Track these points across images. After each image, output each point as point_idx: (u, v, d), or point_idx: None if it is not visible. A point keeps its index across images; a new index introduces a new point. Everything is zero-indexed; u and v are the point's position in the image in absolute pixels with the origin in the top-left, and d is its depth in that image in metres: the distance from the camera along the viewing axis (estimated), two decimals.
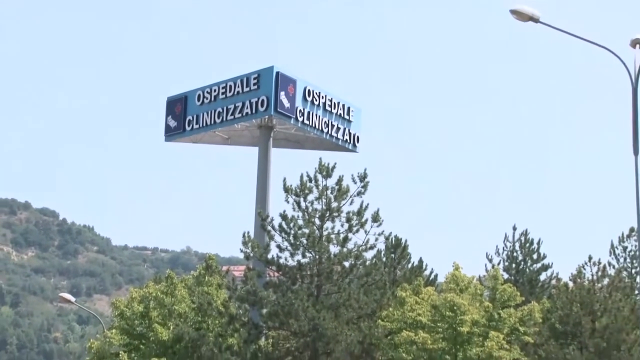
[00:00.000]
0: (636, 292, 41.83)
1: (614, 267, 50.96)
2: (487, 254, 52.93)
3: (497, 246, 53.34)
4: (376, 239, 44.51)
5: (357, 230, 42.80)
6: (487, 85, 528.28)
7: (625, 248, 52.08)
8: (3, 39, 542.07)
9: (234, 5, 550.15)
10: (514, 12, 26.88)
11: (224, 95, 63.50)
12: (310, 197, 42.69)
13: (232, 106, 62.98)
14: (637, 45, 26.65)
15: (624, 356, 40.53)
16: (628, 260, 51.42)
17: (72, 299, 76.47)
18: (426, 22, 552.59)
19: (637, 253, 33.67)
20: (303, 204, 42.71)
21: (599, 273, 47.34)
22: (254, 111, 62.07)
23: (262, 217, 48.56)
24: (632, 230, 51.54)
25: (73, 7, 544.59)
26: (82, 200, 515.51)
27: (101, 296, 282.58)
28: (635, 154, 26.41)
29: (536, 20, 26.81)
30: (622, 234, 52.97)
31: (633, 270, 50.14)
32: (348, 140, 66.47)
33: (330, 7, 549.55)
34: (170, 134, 67.03)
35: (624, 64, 26.51)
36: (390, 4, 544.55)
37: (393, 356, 39.19)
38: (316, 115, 64.11)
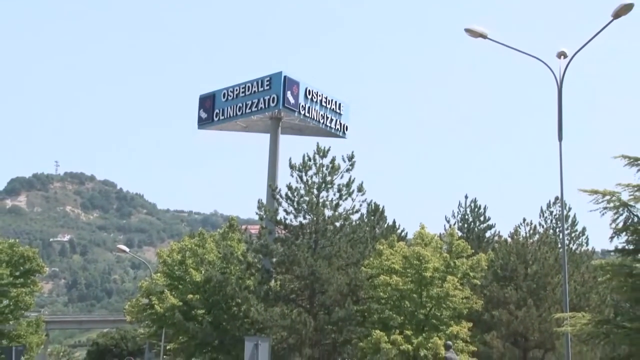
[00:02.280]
0: (559, 245, 41.76)
1: (542, 226, 51.07)
2: (445, 216, 53.15)
3: (453, 210, 53.52)
4: (360, 205, 44.54)
5: (346, 198, 42.77)
6: (448, 85, 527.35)
7: (551, 212, 52.26)
8: (73, 36, 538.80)
9: (251, 21, 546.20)
10: (467, 30, 26.86)
11: (243, 94, 63.69)
12: (310, 173, 42.62)
13: (249, 102, 63.21)
14: (562, 56, 26.62)
15: (549, 295, 40.60)
16: (553, 221, 51.57)
17: (127, 249, 76.69)
18: (400, 40, 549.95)
19: (560, 216, 33.90)
20: (304, 178, 42.64)
21: (531, 231, 47.38)
22: (266, 106, 62.26)
23: (272, 188, 48.54)
24: (557, 198, 51.69)
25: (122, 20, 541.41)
26: (135, 173, 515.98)
27: (149, 248, 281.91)
28: (560, 140, 26.43)
29: (485, 37, 26.78)
30: (549, 201, 53.11)
31: (557, 229, 50.21)
32: (339, 129, 66.54)
33: (324, 20, 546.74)
34: (202, 123, 67.30)
35: (551, 70, 26.49)
36: (372, 22, 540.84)
37: (373, 295, 39.28)
38: (314, 109, 64.20)
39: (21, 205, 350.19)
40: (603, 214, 25.04)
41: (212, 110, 65.77)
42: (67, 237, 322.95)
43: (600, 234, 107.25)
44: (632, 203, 24.82)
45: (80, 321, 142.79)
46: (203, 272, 46.90)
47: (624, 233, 25.36)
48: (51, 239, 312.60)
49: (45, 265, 54.29)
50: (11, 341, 45.37)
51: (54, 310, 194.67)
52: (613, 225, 25.18)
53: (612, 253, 28.86)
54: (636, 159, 24.82)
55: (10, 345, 41.64)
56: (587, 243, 53.49)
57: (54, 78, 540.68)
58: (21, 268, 50.03)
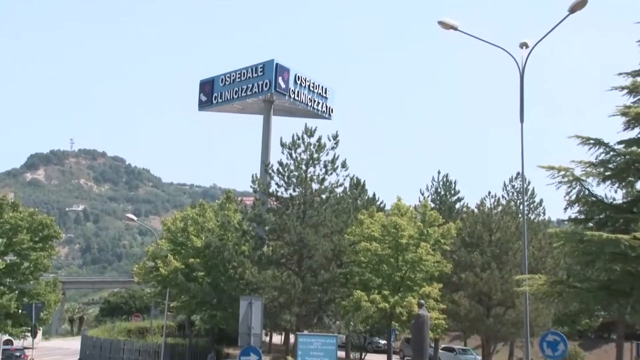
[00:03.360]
0: (519, 215, 42.01)
1: (505, 199, 51.37)
2: (420, 189, 53.24)
3: (427, 184, 53.55)
4: (344, 179, 44.62)
5: (331, 173, 42.80)
6: (425, 72, 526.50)
7: (513, 186, 52.52)
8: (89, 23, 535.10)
9: (248, 12, 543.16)
10: (440, 23, 26.77)
11: (239, 79, 63.76)
12: (299, 150, 42.60)
13: (245, 87, 63.27)
14: (524, 47, 26.61)
15: (510, 259, 40.90)
16: (515, 194, 51.81)
17: (135, 218, 76.71)
18: (381, 31, 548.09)
19: (521, 189, 34.06)
20: (294, 155, 42.62)
21: (495, 203, 47.77)
22: (260, 90, 62.36)
23: (265, 164, 48.62)
24: (518, 173, 51.98)
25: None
26: (142, 150, 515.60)
27: (154, 217, 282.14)
28: (521, 121, 26.47)
29: (455, 29, 26.70)
30: (512, 176, 53.43)
31: (518, 201, 50.48)
32: (325, 111, 66.60)
33: (315, 11, 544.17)
34: (202, 105, 67.40)
35: (515, 59, 26.50)
36: (353, 12, 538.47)
37: (354, 259, 39.44)
38: (303, 93, 64.25)
39: (40, 178, 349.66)
40: (558, 188, 25.19)
41: (211, 93, 65.85)
42: (81, 207, 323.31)
43: (555, 205, 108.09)
44: (584, 178, 24.98)
45: (93, 282, 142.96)
46: (203, 238, 46.98)
47: (576, 204, 25.54)
48: (67, 209, 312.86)
49: (62, 232, 54.09)
50: (31, 299, 45.38)
51: (69, 272, 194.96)
52: (567, 198, 25.34)
53: (565, 222, 29.07)
54: (588, 139, 24.95)
55: (31, 303, 41.84)
56: (544, 213, 53.98)
57: (71, 63, 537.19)
58: (40, 234, 49.96)
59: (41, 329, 60.72)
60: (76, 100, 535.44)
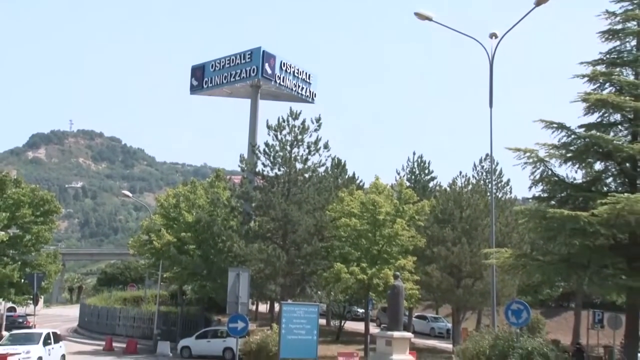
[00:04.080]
0: (488, 194, 42.20)
1: (475, 178, 51.36)
2: (396, 169, 53.65)
3: (402, 164, 53.63)
4: (326, 160, 44.70)
5: (314, 154, 42.77)
6: (402, 59, 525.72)
7: (482, 166, 52.43)
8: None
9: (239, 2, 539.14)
10: (416, 14, 26.74)
11: (228, 65, 63.66)
12: (284, 132, 42.52)
13: (233, 72, 63.20)
14: (493, 37, 26.66)
15: (479, 234, 41.10)
16: (484, 174, 51.83)
17: (130, 195, 76.54)
18: (362, 21, 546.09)
19: (490, 169, 34.21)
20: (279, 136, 42.55)
21: (466, 182, 47.79)
22: (248, 76, 62.30)
23: (252, 145, 48.53)
24: (487, 155, 51.93)
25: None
26: (137, 130, 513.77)
27: (149, 193, 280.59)
28: (490, 106, 26.61)
29: (430, 19, 26.70)
30: (481, 157, 53.35)
31: (487, 181, 50.58)
32: (309, 96, 66.62)
33: (302, 3, 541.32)
34: (194, 89, 67.28)
35: (485, 48, 26.57)
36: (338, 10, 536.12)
37: (335, 234, 39.48)
38: (288, 79, 64.22)
39: (41, 156, 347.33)
40: (524, 168, 25.39)
41: (202, 78, 65.71)
42: (79, 184, 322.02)
43: (521, 184, 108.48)
44: (547, 159, 25.19)
45: (91, 254, 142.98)
46: (194, 214, 46.95)
47: (540, 184, 25.77)
48: (66, 185, 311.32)
49: (61, 207, 53.97)
50: (33, 269, 45.34)
51: (69, 245, 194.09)
52: (531, 177, 25.55)
53: (530, 200, 29.31)
54: (551, 123, 25.13)
55: (33, 273, 41.90)
56: (510, 192, 54.00)
57: (71, 47, 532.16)
58: (41, 209, 49.84)
59: (42, 297, 60.68)
60: (75, 83, 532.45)
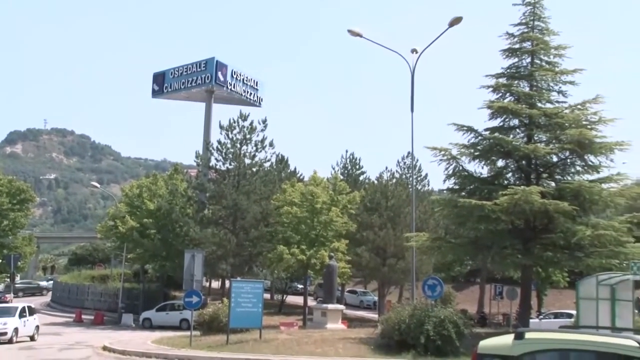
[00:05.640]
0: (409, 186, 42.71)
1: (398, 172, 51.92)
2: (332, 165, 53.66)
3: (337, 161, 53.97)
4: (271, 156, 44.82)
5: (260, 151, 42.74)
6: (336, 69, 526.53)
7: (405, 162, 52.97)
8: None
9: (195, 16, 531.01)
10: (349, 31, 26.75)
11: (186, 73, 62.87)
12: (235, 132, 42.32)
13: (190, 79, 62.46)
14: (414, 52, 26.89)
15: (402, 220, 41.48)
16: (406, 169, 52.40)
17: (98, 185, 75.48)
18: (304, 36, 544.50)
19: (411, 165, 34.62)
20: (230, 135, 42.33)
21: (391, 176, 48.33)
22: (203, 82, 61.63)
23: (207, 142, 48.17)
24: (409, 153, 52.67)
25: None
26: (105, 129, 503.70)
27: (115, 184, 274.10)
28: (412, 111, 26.85)
29: (361, 36, 26.75)
30: (404, 154, 53.94)
31: (408, 175, 51.13)
32: (256, 100, 66.23)
33: (252, 15, 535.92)
34: (155, 94, 66.10)
35: (407, 62, 26.82)
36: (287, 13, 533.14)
37: (279, 220, 39.45)
38: (238, 85, 63.76)
39: (18, 151, 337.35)
40: (439, 164, 25.79)
41: (162, 84, 64.65)
42: (53, 176, 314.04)
43: (437, 178, 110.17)
44: (458, 157, 25.63)
45: (63, 237, 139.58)
46: (155, 203, 46.30)
47: (452, 178, 26.20)
48: (41, 177, 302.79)
49: (36, 196, 52.96)
50: (10, 251, 44.32)
51: (43, 229, 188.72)
52: (445, 172, 25.96)
53: (444, 191, 29.87)
54: (462, 126, 25.57)
55: (10, 254, 40.82)
56: (428, 184, 54.63)
57: (47, 54, 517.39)
58: (17, 197, 48.86)
59: (19, 275, 59.14)
60: (50, 86, 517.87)
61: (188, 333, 27.25)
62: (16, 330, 27.84)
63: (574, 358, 5.26)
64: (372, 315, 46.84)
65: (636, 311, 25.39)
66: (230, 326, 24.28)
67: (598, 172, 24.53)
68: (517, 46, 25.92)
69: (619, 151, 23.73)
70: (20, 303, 33.05)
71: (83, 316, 44.41)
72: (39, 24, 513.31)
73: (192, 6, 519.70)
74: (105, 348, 25.26)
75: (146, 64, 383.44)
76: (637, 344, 4.89)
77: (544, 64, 25.79)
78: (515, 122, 25.71)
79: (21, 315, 28.70)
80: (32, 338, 29.38)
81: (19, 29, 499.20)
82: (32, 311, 30.53)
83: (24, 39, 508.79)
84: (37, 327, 30.45)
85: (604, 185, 24.13)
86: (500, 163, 26.06)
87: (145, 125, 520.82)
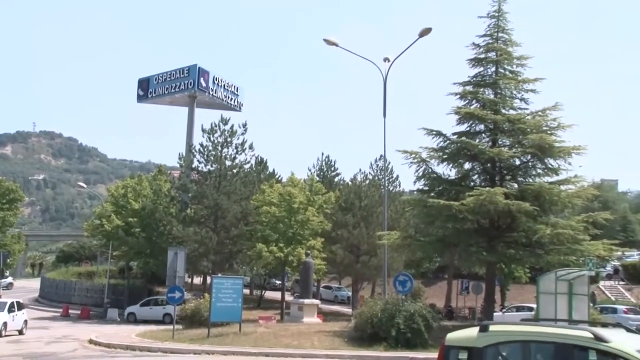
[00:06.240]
0: (382, 187, 42.77)
1: (372, 174, 51.79)
2: (308, 167, 53.63)
3: (313, 163, 53.78)
4: (251, 158, 44.61)
5: (241, 153, 42.51)
6: (315, 75, 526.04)
7: (378, 165, 52.69)
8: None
9: (179, 23, 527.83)
10: (325, 40, 26.71)
11: (169, 78, 62.50)
12: (216, 135, 42.07)
13: (174, 85, 62.05)
14: (386, 61, 26.94)
15: (374, 219, 41.39)
16: (379, 171, 52.30)
17: (85, 186, 74.19)
18: (283, 45, 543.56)
19: (383, 167, 34.67)
20: (212, 138, 42.08)
21: (364, 178, 48.29)
22: (186, 88, 61.31)
23: (189, 145, 47.87)
24: (381, 156, 52.30)
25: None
26: (92, 132, 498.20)
27: (101, 185, 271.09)
28: (384, 116, 26.85)
29: (336, 45, 26.72)
30: (377, 157, 53.72)
31: (381, 176, 51.08)
32: (237, 105, 66.07)
33: (234, 24, 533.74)
34: (140, 98, 65.60)
35: (380, 70, 26.89)
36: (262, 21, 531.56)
37: (258, 219, 39.30)
38: (219, 91, 63.57)
39: (7, 153, 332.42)
40: (410, 167, 25.95)
41: (147, 89, 64.19)
42: (41, 177, 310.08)
43: (408, 179, 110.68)
44: (428, 159, 25.80)
45: (51, 235, 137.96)
46: (140, 202, 45.94)
47: (422, 179, 26.37)
48: (30, 178, 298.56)
49: (25, 196, 52.16)
50: (0, 248, 43.63)
51: (31, 228, 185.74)
52: (415, 174, 26.13)
53: (414, 192, 29.96)
54: (431, 130, 25.75)
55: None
56: (399, 185, 54.36)
57: (36, 59, 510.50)
58: (7, 197, 48.17)
59: (8, 272, 58.21)
60: (39, 90, 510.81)
61: (171, 327, 27.09)
62: (5, 324, 27.49)
63: (534, 349, 5.33)
64: (346, 309, 46.81)
65: (591, 304, 25.76)
66: (211, 320, 24.17)
67: (557, 175, 24.90)
68: (482, 56, 26.18)
69: (576, 155, 24.13)
70: (9, 299, 32.59)
71: (70, 311, 43.89)
72: (28, 32, 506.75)
73: (176, 14, 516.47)
74: (91, 341, 25.01)
75: (131, 70, 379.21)
76: (591, 336, 4.95)
77: (507, 73, 26.08)
78: (481, 127, 25.95)
79: (10, 310, 28.32)
80: (20, 332, 29.00)
81: (9, 35, 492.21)
82: (20, 306, 30.15)
83: (13, 46, 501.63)
84: (26, 321, 30.03)
85: (563, 187, 24.48)
86: (467, 166, 26.28)
87: (131, 128, 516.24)
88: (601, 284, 50.27)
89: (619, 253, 33.84)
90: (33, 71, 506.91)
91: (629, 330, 5.61)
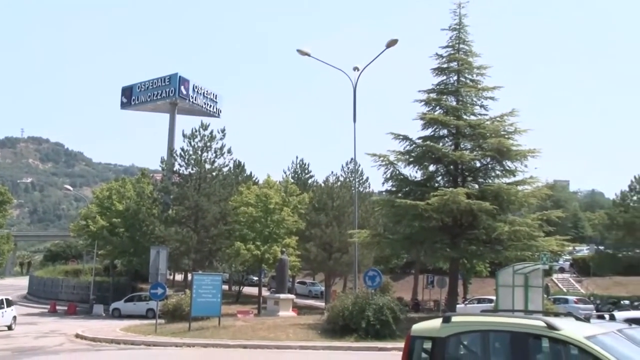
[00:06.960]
0: (352, 188, 42.85)
1: (343, 176, 51.82)
2: (283, 169, 53.41)
3: (288, 165, 53.56)
4: (229, 162, 44.56)
5: (220, 157, 42.44)
6: (290, 83, 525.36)
7: (349, 167, 52.69)
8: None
9: (159, 33, 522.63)
10: (298, 50, 26.64)
11: (151, 86, 61.92)
12: (196, 140, 41.86)
13: (156, 92, 61.50)
14: (356, 69, 26.97)
15: (346, 219, 41.47)
16: (350, 173, 52.35)
17: (71, 189, 73.51)
18: (258, 54, 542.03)
19: (354, 169, 34.81)
20: (192, 143, 41.87)
21: (336, 179, 48.29)
22: (167, 95, 60.80)
23: (171, 149, 47.43)
24: (352, 159, 52.49)
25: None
26: (78, 137, 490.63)
27: (87, 187, 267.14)
28: (354, 122, 26.90)
29: (309, 55, 26.69)
30: (348, 160, 53.65)
31: (352, 178, 51.09)
32: (215, 112, 65.67)
33: (214, 33, 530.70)
34: (123, 105, 64.86)
35: (350, 78, 26.92)
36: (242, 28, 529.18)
37: (236, 219, 39.04)
38: (199, 98, 63.18)
39: None
40: (379, 169, 26.03)
41: (130, 97, 63.48)
42: (29, 180, 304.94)
43: (377, 181, 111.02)
44: (395, 162, 25.91)
45: (39, 235, 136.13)
46: (124, 204, 45.44)
47: (390, 181, 26.47)
48: (18, 181, 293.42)
49: (14, 198, 51.14)
50: None
51: (20, 228, 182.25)
52: (384, 176, 26.21)
53: (383, 193, 30.05)
54: (398, 135, 25.87)
55: None
56: (369, 187, 54.41)
57: (23, 67, 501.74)
58: None
59: None
60: (27, 97, 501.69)
61: (154, 321, 26.78)
62: None
63: (493, 337, 5.38)
64: (320, 303, 46.83)
65: (545, 296, 26.10)
66: (192, 315, 23.99)
67: (514, 176, 25.20)
68: (445, 66, 26.39)
69: (532, 157, 24.48)
70: None
71: (57, 307, 43.27)
72: (16, 42, 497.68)
73: (159, 25, 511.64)
74: (77, 336, 24.64)
75: (115, 78, 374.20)
76: (544, 324, 5.01)
77: (468, 81, 26.33)
78: (445, 131, 26.15)
79: None
80: (9, 327, 28.43)
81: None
82: (10, 303, 29.57)
83: (2, 55, 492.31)
84: (15, 317, 29.46)
85: (519, 187, 24.78)
86: (432, 168, 26.45)
87: (115, 133, 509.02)
88: (554, 276, 51.05)
89: (570, 248, 34.43)
90: (21, 79, 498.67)
91: (578, 318, 5.70)
